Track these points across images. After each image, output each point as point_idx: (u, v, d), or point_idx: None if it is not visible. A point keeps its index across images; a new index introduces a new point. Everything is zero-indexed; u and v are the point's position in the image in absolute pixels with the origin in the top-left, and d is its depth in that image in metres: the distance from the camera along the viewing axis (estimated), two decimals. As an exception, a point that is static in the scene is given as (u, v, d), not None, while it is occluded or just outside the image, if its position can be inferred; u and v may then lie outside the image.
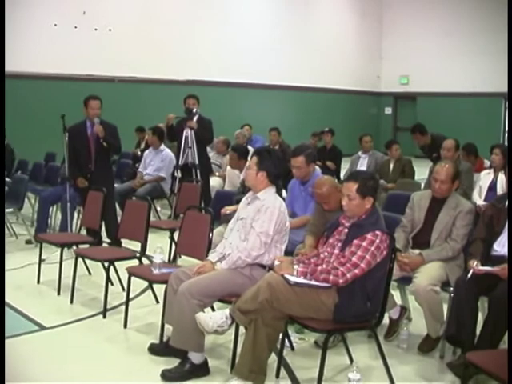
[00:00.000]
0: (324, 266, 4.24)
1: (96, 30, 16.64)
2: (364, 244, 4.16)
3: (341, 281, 4.10)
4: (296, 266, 4.22)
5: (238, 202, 5.94)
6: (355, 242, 4.19)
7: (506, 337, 4.35)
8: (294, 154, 6.02)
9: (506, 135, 22.03)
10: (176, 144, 9.92)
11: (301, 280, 4.15)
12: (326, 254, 4.38)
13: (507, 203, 4.64)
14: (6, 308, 5.95)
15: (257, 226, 4.63)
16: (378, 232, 4.20)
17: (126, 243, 6.93)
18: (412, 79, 23.52)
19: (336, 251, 4.32)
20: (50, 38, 15.74)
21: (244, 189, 6.51)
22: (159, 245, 5.51)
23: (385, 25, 24.12)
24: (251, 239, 4.63)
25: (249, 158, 7.03)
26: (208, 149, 11.20)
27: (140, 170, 10.29)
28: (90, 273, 7.05)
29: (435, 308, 4.81)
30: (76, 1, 16.34)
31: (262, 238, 4.60)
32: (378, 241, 4.16)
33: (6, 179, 9.69)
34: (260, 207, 4.70)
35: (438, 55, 22.13)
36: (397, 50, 23.44)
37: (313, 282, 4.15)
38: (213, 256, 4.87)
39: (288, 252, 4.89)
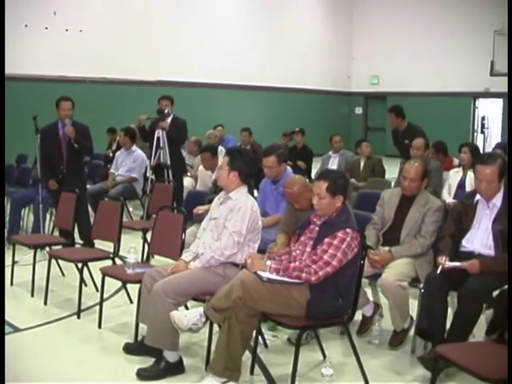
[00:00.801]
0: (297, 263, 4.29)
1: (67, 30, 16.54)
2: (335, 242, 4.21)
3: (313, 278, 4.15)
4: (269, 262, 4.26)
5: (210, 201, 5.98)
6: (326, 240, 4.24)
7: (475, 330, 4.44)
8: (266, 154, 6.08)
9: (475, 134, 22.35)
10: (148, 145, 9.93)
11: (274, 276, 4.19)
12: (298, 252, 4.43)
13: (507, 203, 4.71)
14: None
15: (229, 226, 4.68)
16: (348, 230, 4.26)
17: (99, 244, 6.91)
18: (382, 79, 23.70)
19: (308, 249, 4.37)
20: (20, 39, 15.63)
21: (216, 189, 6.55)
22: (133, 245, 5.53)
23: (355, 25, 24.26)
24: (224, 238, 4.68)
25: (220, 158, 7.10)
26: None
27: (112, 170, 10.28)
28: (63, 274, 7.04)
29: (401, 303, 4.91)
30: (46, 1, 16.25)
31: (234, 237, 4.65)
32: (348, 238, 4.22)
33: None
34: (232, 207, 4.74)
35: (408, 55, 22.32)
36: (367, 50, 23.58)
37: (286, 279, 4.20)
38: (186, 255, 4.91)
39: (260, 250, 4.94)
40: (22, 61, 15.48)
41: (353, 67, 24.44)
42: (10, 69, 15.26)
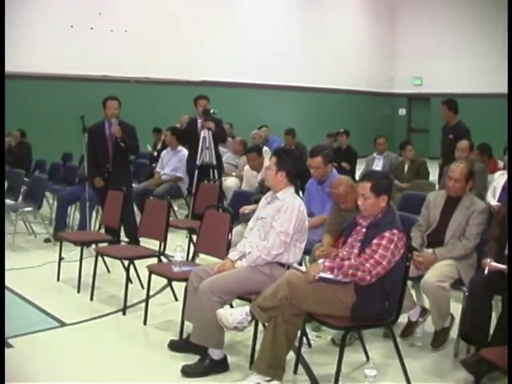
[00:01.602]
0: (353, 261, 4.26)
1: (112, 31, 16.75)
2: (383, 242, 4.22)
3: (368, 277, 4.15)
4: (321, 260, 4.26)
5: (256, 201, 6.04)
6: (374, 241, 4.25)
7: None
8: (312, 155, 6.11)
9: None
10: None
11: (326, 275, 4.20)
12: (345, 253, 4.45)
13: (507, 203, 4.70)
14: (27, 305, 6.10)
15: (277, 226, 4.72)
16: (395, 230, 4.27)
17: (144, 242, 7.01)
18: (426, 80, 23.46)
19: (355, 251, 4.39)
20: (66, 40, 15.87)
21: (262, 189, 6.58)
22: (179, 243, 5.60)
23: (398, 25, 24.06)
24: (271, 238, 4.72)
25: (266, 158, 7.15)
26: (223, 149, 11.34)
27: (157, 169, 10.43)
28: (109, 271, 7.16)
29: (441, 304, 4.91)
30: (92, 2, 16.47)
31: (281, 237, 4.69)
32: (395, 239, 4.23)
33: (25, 179, 9.83)
34: (280, 207, 4.79)
35: (451, 55, 22.08)
36: (410, 51, 23.35)
37: (338, 278, 4.20)
38: (233, 254, 4.97)
39: (306, 251, 4.98)
40: (69, 61, 15.74)
41: (396, 68, 24.23)
42: (57, 69, 15.66)
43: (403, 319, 5.15)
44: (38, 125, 14.79)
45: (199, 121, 9.58)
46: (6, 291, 6.48)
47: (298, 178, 5.05)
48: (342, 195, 5.35)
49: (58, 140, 14.34)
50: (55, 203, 9.72)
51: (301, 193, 6.23)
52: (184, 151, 10.26)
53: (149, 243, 6.68)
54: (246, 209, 6.51)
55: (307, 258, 5.65)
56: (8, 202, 9.13)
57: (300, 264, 4.91)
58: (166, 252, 6.17)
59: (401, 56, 23.98)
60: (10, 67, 15.01)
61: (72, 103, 15.05)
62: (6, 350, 4.92)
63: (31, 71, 15.47)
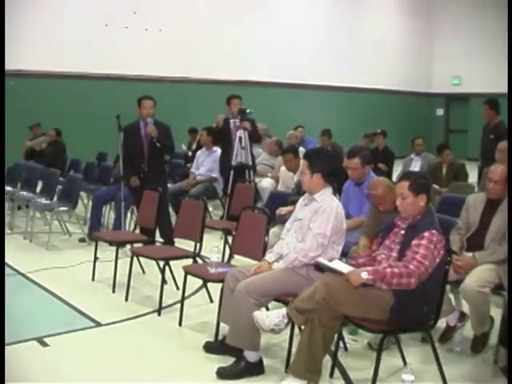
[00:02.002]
0: (390, 269, 4.20)
1: (146, 30, 16.88)
2: (423, 242, 4.20)
3: (413, 281, 4.12)
4: (365, 275, 4.18)
5: (292, 202, 6.06)
6: (414, 242, 4.23)
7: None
8: (349, 156, 6.11)
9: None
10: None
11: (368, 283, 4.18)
12: (383, 256, 4.44)
13: (507, 202, 4.65)
14: (62, 304, 6.19)
15: (314, 227, 4.74)
16: (433, 231, 4.25)
17: (179, 243, 7.04)
18: (464, 80, 23.23)
19: (394, 254, 4.38)
20: (101, 39, 16.03)
21: (299, 190, 6.57)
22: (216, 244, 5.64)
23: (436, 23, 23.83)
24: (308, 240, 4.74)
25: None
26: (259, 149, 11.37)
27: (192, 170, 10.49)
28: (143, 271, 7.23)
29: (481, 309, 4.86)
30: (127, 1, 16.63)
31: (319, 239, 4.70)
32: (434, 239, 4.21)
33: (60, 179, 9.97)
34: (317, 208, 4.80)
35: (491, 54, 21.81)
36: (448, 50, 23.13)
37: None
38: (270, 256, 4.99)
39: (343, 253, 4.98)
40: (103, 60, 15.89)
41: (433, 67, 24.02)
42: (91, 68, 15.83)
43: (442, 324, 5.11)
44: (73, 124, 14.98)
45: (232, 121, 9.63)
46: (42, 290, 6.63)
47: (335, 175, 5.05)
48: (380, 196, 5.35)
49: (93, 139, 14.50)
50: (90, 203, 9.85)
51: (338, 195, 6.28)
52: (219, 152, 10.28)
53: (184, 244, 6.72)
54: (282, 210, 6.52)
55: (344, 260, 5.64)
56: (43, 201, 9.28)
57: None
58: (202, 253, 6.19)
59: (439, 55, 23.76)
60: (44, 67, 15.34)
61: (107, 102, 15.21)
62: (42, 349, 5.03)
63: (66, 70, 15.66)
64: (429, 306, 4.24)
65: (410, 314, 4.19)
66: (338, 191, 6.09)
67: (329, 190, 4.92)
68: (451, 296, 5.42)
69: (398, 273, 4.14)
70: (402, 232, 4.43)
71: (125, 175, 8.31)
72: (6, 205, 10.81)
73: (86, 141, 14.59)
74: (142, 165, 8.22)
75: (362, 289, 4.19)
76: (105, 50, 16.02)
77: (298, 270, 4.74)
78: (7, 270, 7.20)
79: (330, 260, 4.54)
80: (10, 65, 14.64)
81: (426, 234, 4.23)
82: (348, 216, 5.89)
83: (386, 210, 5.30)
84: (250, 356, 4.64)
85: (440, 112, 24.49)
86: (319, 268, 4.35)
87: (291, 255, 4.76)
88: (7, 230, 9.61)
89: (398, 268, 4.17)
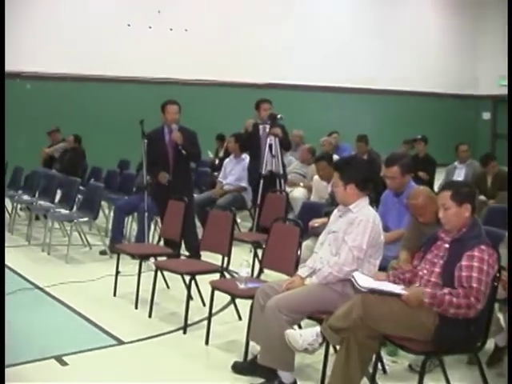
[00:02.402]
0: (454, 299, 4.10)
1: (171, 30, 17.00)
2: (476, 264, 4.11)
3: (472, 313, 4.06)
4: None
5: (326, 214, 6.06)
6: (464, 263, 4.14)
7: None
8: (388, 164, 6.08)
9: None
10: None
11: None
12: (425, 271, 4.40)
13: (507, 203, 4.58)
14: (82, 320, 6.23)
15: (349, 240, 4.73)
16: (483, 246, 4.17)
17: (205, 256, 7.06)
18: (513, 79, 22.93)
19: (437, 269, 4.32)
20: (123, 40, 16.17)
21: (333, 200, 6.55)
22: (245, 257, 5.64)
23: (480, 19, 23.54)
24: (343, 254, 4.73)
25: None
26: (290, 157, 11.37)
27: (220, 179, 10.53)
28: (168, 286, 7.25)
29: None
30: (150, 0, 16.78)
31: (354, 252, 4.69)
32: (486, 257, 4.13)
33: (80, 187, 10.06)
34: (353, 220, 4.80)
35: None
36: (494, 48, 22.79)
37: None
38: (302, 271, 4.99)
39: (381, 268, 4.96)
40: (125, 62, 16.02)
41: (478, 67, 23.71)
42: (113, 71, 15.96)
43: (490, 345, 5.04)
44: (94, 130, 15.09)
45: (261, 126, 9.63)
46: (60, 305, 6.68)
47: (371, 184, 5.04)
48: (421, 206, 5.32)
49: (115, 146, 14.61)
50: (111, 213, 9.91)
51: (375, 206, 6.25)
52: (248, 159, 10.25)
53: (211, 257, 6.73)
54: (315, 222, 6.51)
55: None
56: (62, 211, 9.37)
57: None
58: (230, 267, 6.20)
59: (484, 54, 23.44)
60: (63, 69, 15.52)
61: (130, 107, 15.32)
62: (61, 368, 5.07)
63: (86, 73, 15.81)
64: (476, 325, 4.17)
65: (456, 334, 4.11)
66: (375, 202, 6.09)
67: (365, 201, 4.92)
68: (500, 315, 5.32)
69: (457, 303, 4.07)
70: (446, 246, 4.37)
71: (151, 174, 8.38)
72: (23, 215, 10.97)
73: (108, 147, 14.70)
74: (167, 172, 8.26)
75: (404, 306, 4.15)
76: (127, 52, 16.17)
77: (332, 285, 4.74)
78: (25, 284, 7.29)
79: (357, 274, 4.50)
80: (27, 66, 14.91)
81: (476, 252, 4.15)
82: (386, 228, 5.86)
83: (427, 222, 5.26)
84: (285, 377, 4.65)
85: (486, 115, 24.15)
86: (373, 292, 4.27)
87: (325, 270, 4.76)
88: (24, 242, 9.73)
89: (457, 298, 4.08)
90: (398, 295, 4.18)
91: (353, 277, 4.36)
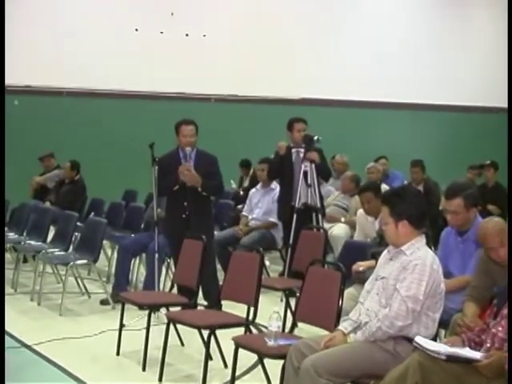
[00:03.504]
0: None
1: (187, 35, 17.10)
2: None
3: None
4: None
5: (373, 256, 6.04)
6: None
7: None
8: (449, 196, 6.04)
9: None
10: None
11: None
12: (500, 328, 4.35)
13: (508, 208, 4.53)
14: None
15: (402, 289, 4.69)
16: None
17: (227, 306, 7.03)
18: None
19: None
20: (129, 47, 16.29)
21: (381, 240, 6.55)
22: (275, 308, 5.62)
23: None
24: (395, 305, 4.68)
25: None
26: (329, 187, 11.35)
27: (244, 213, 10.54)
28: (182, 343, 7.23)
29: None
30: (162, 1, 16.89)
31: (408, 303, 4.64)
32: None
33: (78, 224, 10.10)
34: (406, 264, 4.77)
35: None
36: None
37: None
38: (345, 325, 4.96)
39: (441, 322, 4.92)
40: (132, 73, 16.10)
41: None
42: (115, 84, 16.05)
43: None
44: (94, 155, 15.16)
45: (294, 150, 9.64)
46: (53, 367, 6.66)
47: (427, 218, 5.02)
48: (492, 236, 5.24)
49: (120, 174, 14.67)
50: (115, 255, 9.94)
51: (433, 247, 6.21)
52: (278, 189, 10.25)
53: (234, 308, 6.71)
54: (360, 265, 6.48)
55: (443, 332, 5.57)
56: (56, 252, 9.39)
57: (434, 340, 4.84)
58: (257, 320, 6.20)
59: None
60: (56, 82, 15.65)
61: (138, 127, 15.40)
62: None
63: (84, 87, 15.94)
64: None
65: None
66: (433, 242, 6.05)
67: (421, 240, 4.89)
68: None
69: None
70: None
71: (164, 189, 8.43)
72: (9, 256, 10.98)
73: (111, 176, 14.77)
74: (184, 204, 8.23)
75: (472, 369, 4.12)
76: (135, 62, 16.23)
77: (381, 343, 4.70)
78: (10, 342, 7.26)
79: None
80: (13, 79, 15.04)
81: None
82: (447, 274, 5.83)
83: (500, 260, 5.18)
84: None
85: None
86: (449, 360, 4.22)
87: (373, 324, 4.72)
88: (10, 289, 9.73)
89: None
90: (475, 361, 4.14)
91: (417, 343, 4.31)
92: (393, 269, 4.86)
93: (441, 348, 4.27)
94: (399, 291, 4.70)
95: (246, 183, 12.82)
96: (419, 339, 4.41)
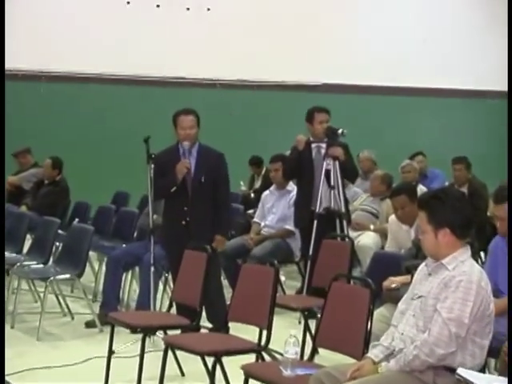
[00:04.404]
0: None
1: (188, 9, 17.11)
2: None
3: None
4: None
5: (408, 270, 6.02)
6: None
7: None
8: (498, 199, 6.04)
9: None
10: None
11: None
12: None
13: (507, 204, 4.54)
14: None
15: (444, 310, 4.65)
16: None
17: (235, 329, 7.04)
18: None
19: None
20: (119, 24, 16.30)
21: (418, 251, 6.54)
22: (292, 331, 5.60)
23: None
24: (435, 329, 4.64)
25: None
26: (356, 189, 11.34)
27: (256, 219, 10.57)
28: (183, 373, 7.23)
29: None
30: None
31: (451, 327, 4.61)
32: None
33: (60, 232, 10.09)
34: (448, 280, 4.73)
35: None
36: None
37: None
38: (375, 352, 4.94)
39: (491, 350, 4.89)
40: (125, 55, 16.12)
41: None
42: (105, 67, 16.07)
43: None
44: (79, 150, 15.17)
45: (314, 145, 9.62)
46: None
47: (472, 225, 4.99)
48: None
49: (109, 173, 14.67)
50: (103, 268, 9.94)
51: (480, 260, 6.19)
52: (295, 192, 10.21)
53: (243, 331, 6.72)
54: (393, 281, 6.46)
55: (492, 362, 5.55)
56: (33, 265, 9.38)
57: (483, 371, 4.81)
58: (271, 345, 6.19)
59: None
60: (30, 65, 15.67)
61: (130, 118, 15.40)
62: None
63: (64, 70, 15.94)
64: None
65: None
66: (479, 253, 6.03)
67: (465, 252, 4.86)
68: None
69: None
70: None
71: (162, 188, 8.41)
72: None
73: (98, 175, 14.79)
74: (184, 208, 8.27)
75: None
76: (127, 41, 16.25)
77: (419, 374, 4.67)
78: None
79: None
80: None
81: None
82: (496, 292, 5.80)
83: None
84: None
85: None
86: None
87: (409, 352, 4.68)
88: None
89: None
90: None
91: (460, 375, 4.29)
92: (432, 286, 4.82)
93: (489, 381, 4.26)
94: (440, 313, 4.66)
95: (257, 184, 12.80)
96: (462, 371, 4.39)
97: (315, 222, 9.17)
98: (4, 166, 9.80)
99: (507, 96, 17.57)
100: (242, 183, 13.40)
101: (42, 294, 9.26)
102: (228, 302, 7.07)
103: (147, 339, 6.90)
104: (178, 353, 6.92)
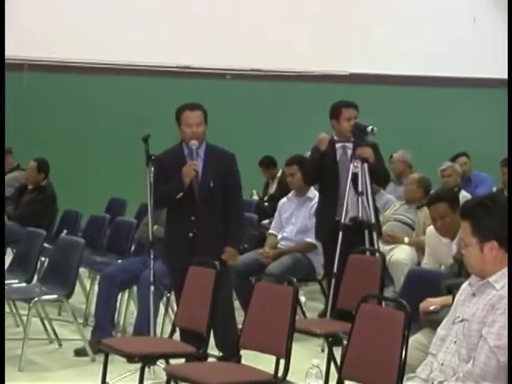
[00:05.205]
0: None
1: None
2: None
3: None
4: None
5: (449, 290, 6.00)
6: None
7: None
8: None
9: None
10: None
11: None
12: None
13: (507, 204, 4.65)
14: None
15: (491, 336, 4.65)
16: None
17: (248, 358, 7.04)
18: None
19: None
20: (117, 5, 16.38)
21: (461, 268, 6.54)
22: (314, 361, 5.59)
23: None
24: (481, 358, 4.65)
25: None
26: (389, 196, 11.35)
27: (272, 231, 10.56)
28: (187, 409, 7.25)
29: None
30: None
31: (500, 356, 4.61)
32: None
33: (45, 245, 10.10)
34: (496, 302, 4.73)
35: None
36: None
37: None
38: (412, 384, 4.95)
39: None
40: (122, 41, 16.18)
41: None
42: (97, 55, 16.12)
43: None
44: (68, 151, 15.21)
45: (339, 145, 9.62)
46: None
47: None
48: None
49: (103, 178, 14.70)
50: (96, 288, 9.94)
51: None
52: (317, 199, 10.24)
53: (257, 360, 6.72)
54: (431, 303, 6.46)
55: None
56: (15, 285, 9.38)
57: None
58: (289, 377, 6.18)
59: None
60: (14, 51, 15.73)
61: (127, 113, 15.42)
62: None
63: (53, 59, 16.00)
64: None
65: None
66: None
67: (514, 268, 4.86)
68: None
69: None
70: None
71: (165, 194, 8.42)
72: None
73: (90, 180, 14.82)
74: (191, 217, 8.26)
75: None
76: (122, 24, 16.30)
77: (463, 411, 4.67)
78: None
79: None
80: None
81: None
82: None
83: None
84: None
85: None
86: None
87: (451, 384, 4.70)
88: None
89: None
90: None
91: None
92: (477, 308, 4.82)
93: None
94: (486, 339, 4.66)
95: (272, 190, 12.78)
96: None
97: (340, 233, 9.17)
98: (4, 167, 9.83)
99: None
100: (254, 192, 13.38)
101: (24, 318, 9.25)
102: (240, 327, 7.07)
103: (146, 369, 6.93)
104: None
